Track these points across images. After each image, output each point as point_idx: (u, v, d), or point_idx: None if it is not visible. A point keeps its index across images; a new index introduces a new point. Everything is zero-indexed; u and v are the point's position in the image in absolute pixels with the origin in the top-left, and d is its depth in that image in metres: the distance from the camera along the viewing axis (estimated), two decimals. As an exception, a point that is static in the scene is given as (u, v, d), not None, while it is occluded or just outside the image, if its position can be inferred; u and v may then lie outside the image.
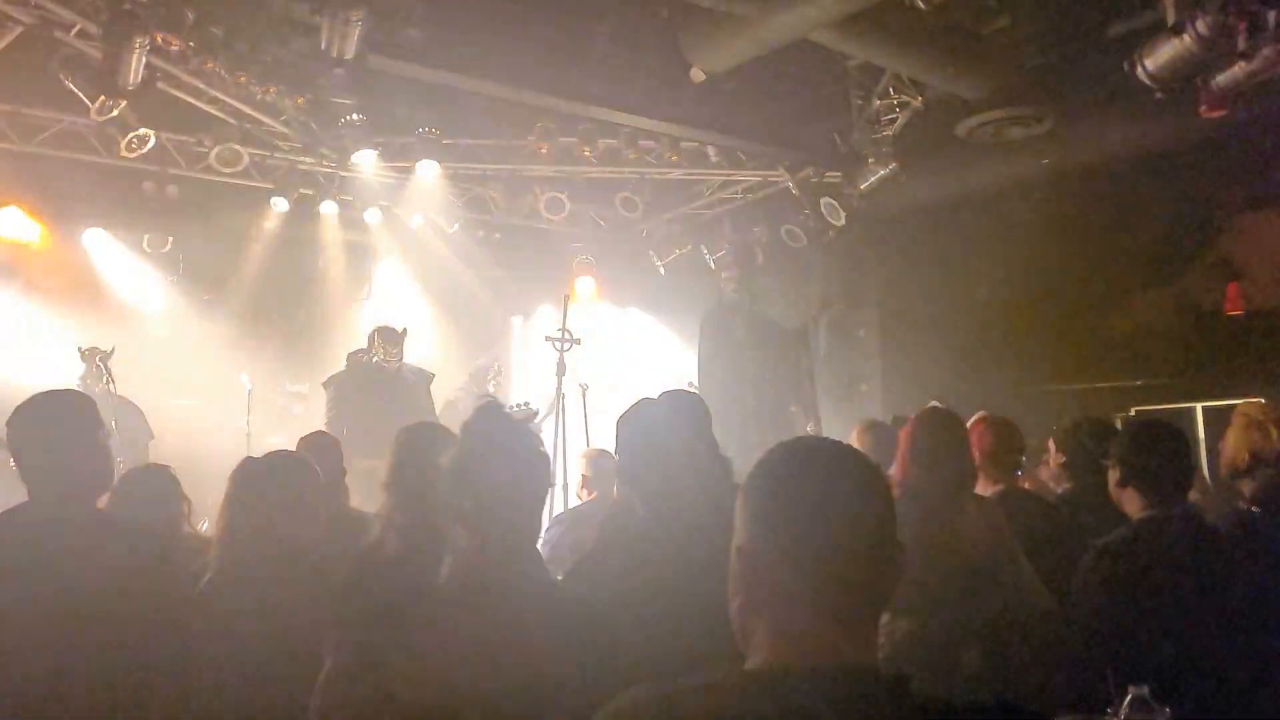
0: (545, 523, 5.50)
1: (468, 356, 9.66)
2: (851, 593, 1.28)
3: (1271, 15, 5.27)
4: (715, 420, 2.93)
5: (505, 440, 2.04)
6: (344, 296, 9.74)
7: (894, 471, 3.45)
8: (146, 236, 8.46)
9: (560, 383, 7.02)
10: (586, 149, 8.15)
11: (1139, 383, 8.30)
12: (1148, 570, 2.92)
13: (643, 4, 6.71)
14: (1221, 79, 5.69)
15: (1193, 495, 3.50)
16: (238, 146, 7.48)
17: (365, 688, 1.89)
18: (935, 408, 3.86)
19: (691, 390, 6.07)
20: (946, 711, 1.26)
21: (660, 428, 2.72)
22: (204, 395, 8.54)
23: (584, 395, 7.58)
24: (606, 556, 2.66)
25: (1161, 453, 3.10)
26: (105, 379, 6.56)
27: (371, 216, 8.83)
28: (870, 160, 7.91)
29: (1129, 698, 2.26)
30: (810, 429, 7.54)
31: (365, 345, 7.35)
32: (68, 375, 6.60)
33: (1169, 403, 7.83)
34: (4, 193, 7.29)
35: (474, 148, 8.45)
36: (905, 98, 7.46)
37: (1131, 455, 3.11)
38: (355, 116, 7.12)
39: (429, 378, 7.40)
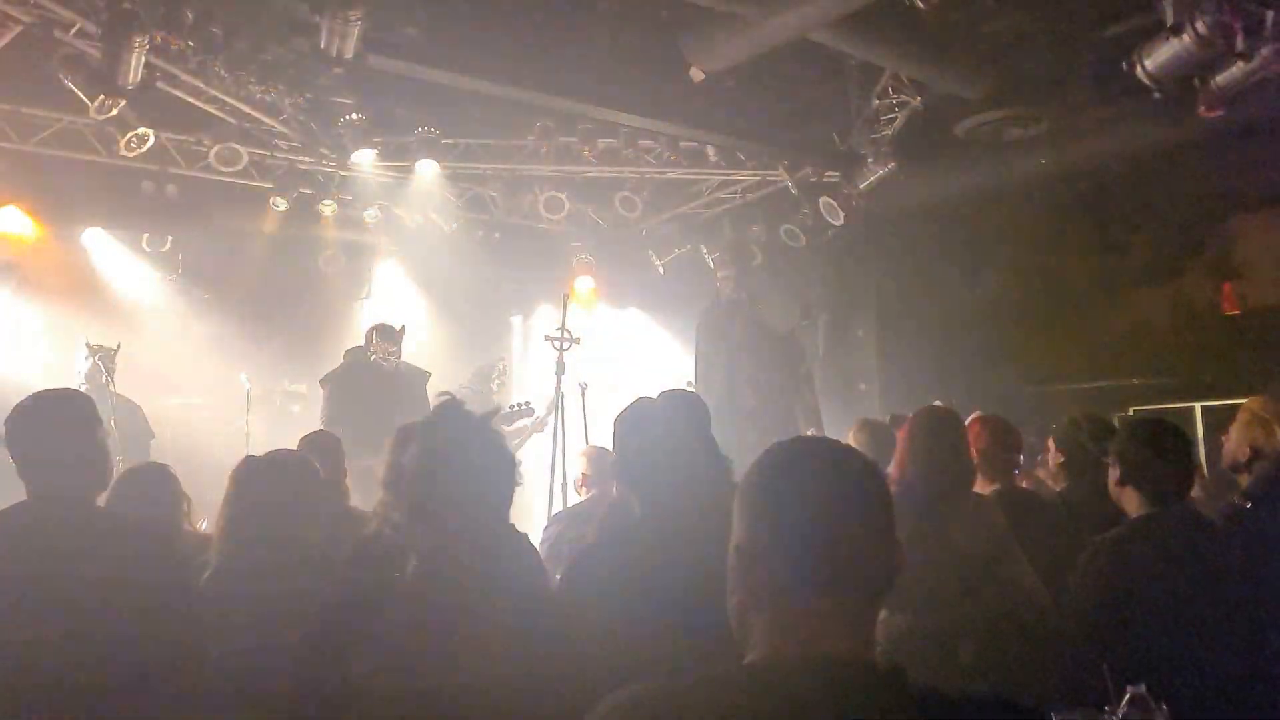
0: (546, 520, 5.52)
1: (467, 356, 9.66)
2: (849, 589, 1.29)
3: (1269, 15, 5.28)
4: (713, 420, 2.94)
5: (465, 439, 2.03)
6: (343, 296, 9.73)
7: (892, 470, 3.46)
8: (145, 236, 8.45)
9: (559, 382, 7.03)
10: (586, 149, 8.16)
11: (1136, 382, 8.32)
12: (1145, 568, 2.93)
13: (642, 4, 6.72)
14: (1220, 79, 5.71)
15: (1193, 493, 3.50)
16: (237, 146, 7.48)
17: (329, 676, 1.88)
18: (934, 407, 3.87)
19: (689, 390, 6.09)
20: (943, 704, 1.27)
21: (658, 427, 2.72)
22: (203, 394, 8.55)
23: (583, 394, 7.59)
24: (604, 554, 2.67)
25: (1162, 452, 3.09)
26: (105, 377, 6.56)
27: (371, 216, 8.83)
28: (869, 160, 7.92)
29: (1128, 696, 2.27)
30: (812, 433, 7.54)
31: (363, 343, 7.36)
32: (67, 374, 6.60)
33: (1167, 402, 7.86)
34: (3, 192, 7.29)
35: (473, 147, 8.46)
36: (904, 97, 7.47)
37: (1131, 454, 3.11)
38: (355, 116, 7.12)
39: (426, 376, 7.41)
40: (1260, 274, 8.23)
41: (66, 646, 2.39)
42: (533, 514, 7.14)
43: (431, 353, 8.46)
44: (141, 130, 6.80)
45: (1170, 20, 5.41)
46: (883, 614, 1.36)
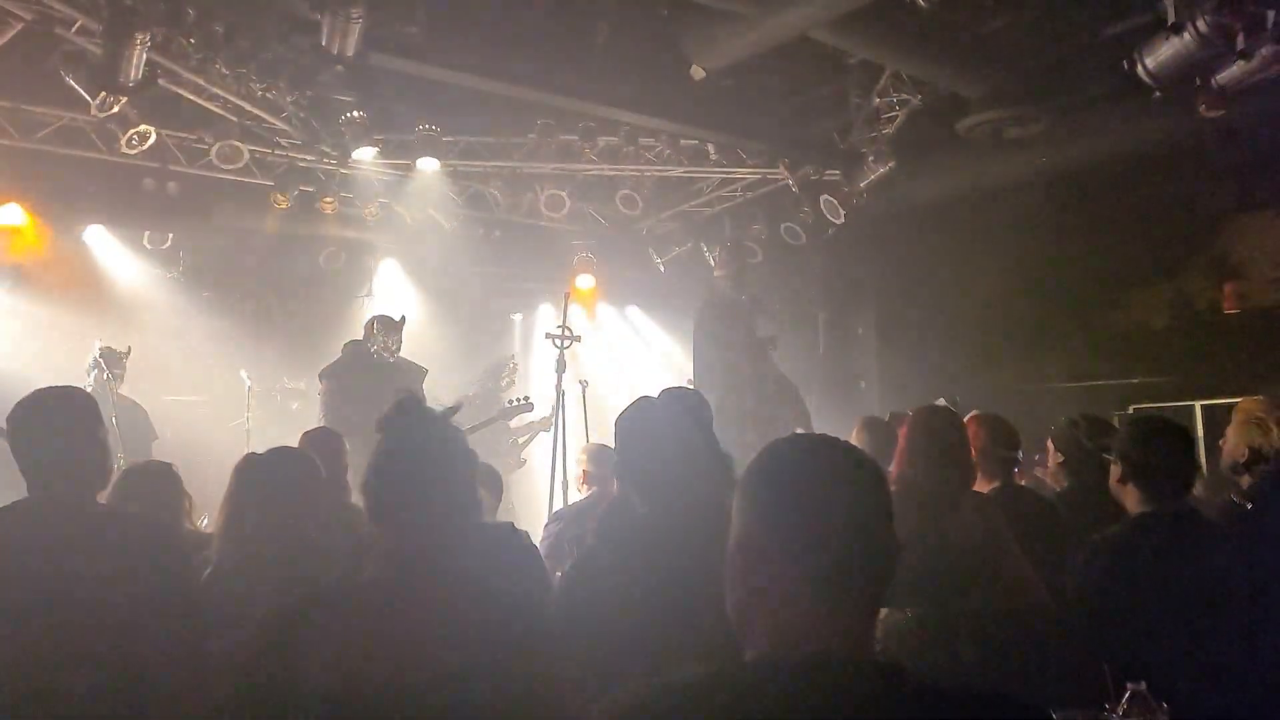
0: (547, 518, 5.53)
1: (467, 354, 9.68)
2: (849, 585, 1.30)
3: (1270, 15, 5.28)
4: (714, 419, 2.94)
5: (420, 438, 2.02)
6: (344, 294, 9.75)
7: (891, 468, 3.47)
8: (147, 233, 8.45)
9: (560, 380, 7.03)
10: (586, 146, 8.17)
11: (1136, 381, 8.32)
12: (1144, 566, 2.93)
13: (643, 2, 6.72)
14: (1221, 78, 5.71)
15: (1194, 492, 3.51)
16: (238, 143, 7.47)
17: (273, 677, 1.87)
18: (933, 406, 3.88)
19: (691, 387, 6.09)
20: (944, 701, 1.28)
21: (660, 425, 2.73)
22: (204, 392, 8.56)
23: (584, 392, 7.60)
24: (606, 552, 2.67)
25: (1164, 450, 3.09)
26: (106, 374, 6.57)
27: (371, 214, 8.83)
28: (870, 158, 7.93)
29: (1128, 694, 2.28)
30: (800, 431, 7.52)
31: (363, 336, 7.39)
32: (66, 372, 6.60)
33: (1166, 401, 7.86)
34: (4, 189, 7.29)
35: (474, 145, 8.46)
36: (904, 96, 7.47)
37: (1133, 452, 3.10)
38: (356, 114, 7.12)
39: (423, 373, 7.43)
40: (1259, 273, 8.24)
41: (67, 643, 2.39)
42: (534, 512, 7.16)
43: (432, 351, 8.47)
44: (143, 128, 6.80)
45: (1171, 19, 5.42)
46: (883, 611, 1.37)
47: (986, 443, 3.93)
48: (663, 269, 10.31)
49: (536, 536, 4.70)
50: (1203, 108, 5.95)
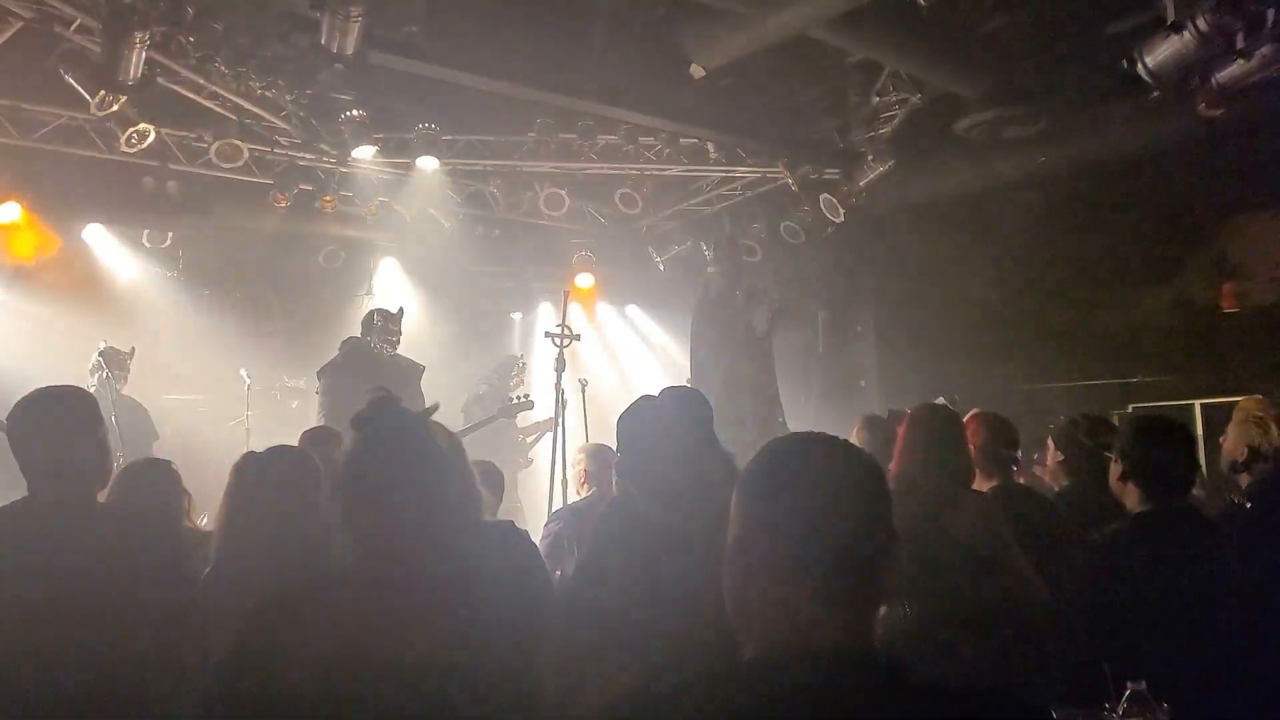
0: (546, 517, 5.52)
1: (466, 353, 9.68)
2: (849, 582, 1.30)
3: (1270, 14, 5.28)
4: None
5: (393, 437, 2.01)
6: (343, 292, 9.75)
7: (891, 466, 3.47)
8: (146, 232, 8.45)
9: (560, 378, 7.03)
10: (586, 145, 8.17)
11: (1135, 380, 8.33)
12: (1144, 564, 2.93)
13: (642, 1, 6.72)
14: (1221, 77, 5.71)
15: (1193, 491, 3.51)
16: (237, 142, 7.47)
17: (255, 673, 1.86)
18: (933, 404, 3.88)
19: (692, 387, 6.08)
20: (944, 699, 1.28)
21: (662, 424, 2.73)
22: (204, 390, 8.56)
23: (583, 391, 7.60)
24: (608, 550, 2.67)
25: (1165, 449, 3.09)
26: (106, 373, 6.56)
27: (371, 212, 8.83)
28: (869, 157, 7.93)
29: (1129, 692, 2.28)
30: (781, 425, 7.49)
31: (360, 333, 7.39)
32: (65, 371, 6.59)
33: (1166, 400, 7.87)
34: (3, 188, 7.28)
35: (473, 144, 8.46)
36: (903, 95, 7.47)
37: (1135, 450, 3.10)
38: (355, 112, 7.12)
39: (420, 369, 7.44)
40: (1258, 272, 8.25)
41: (67, 642, 2.39)
42: (536, 511, 7.16)
43: (431, 349, 8.47)
44: (142, 126, 6.80)
45: (1171, 17, 5.42)
46: (882, 609, 1.37)
47: (986, 441, 3.93)
48: (662, 268, 10.31)
49: (537, 535, 4.70)
50: (1202, 107, 5.95)
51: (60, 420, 2.67)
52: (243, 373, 8.04)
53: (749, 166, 8.79)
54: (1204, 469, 5.19)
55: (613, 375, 10.71)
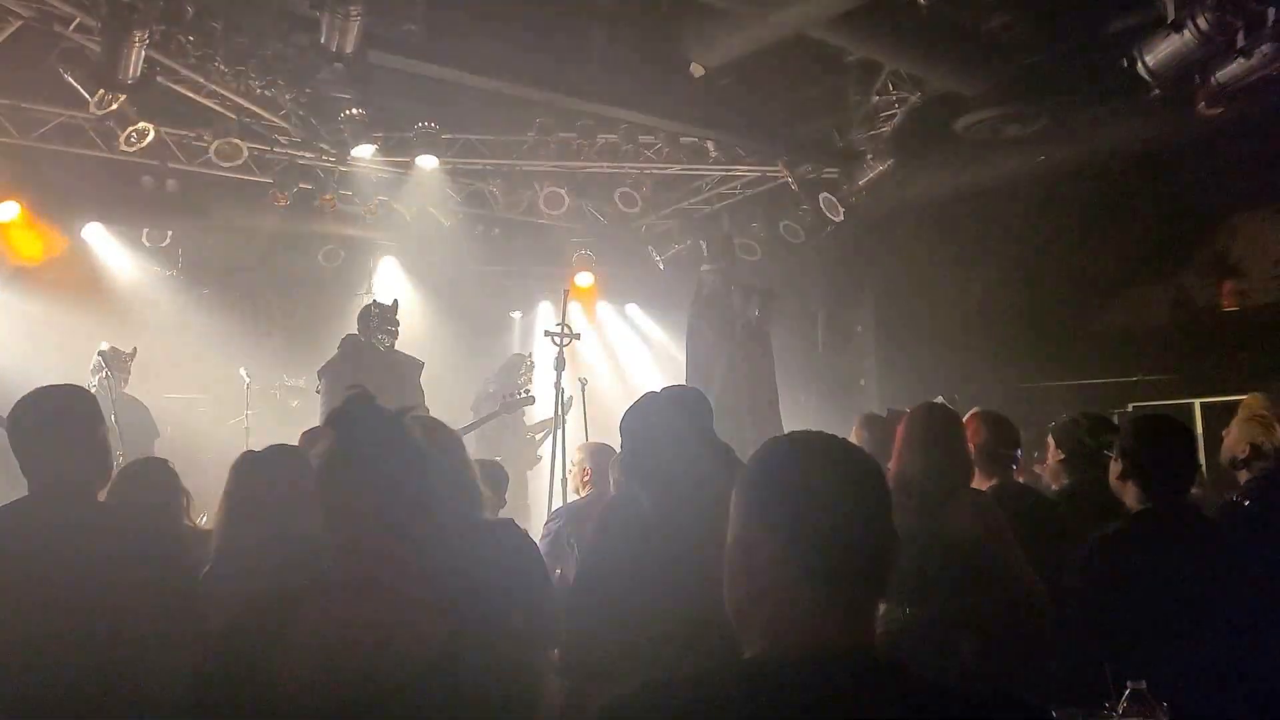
0: (545, 516, 5.53)
1: (466, 351, 9.68)
2: (849, 580, 1.30)
3: (1270, 13, 5.28)
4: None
5: (369, 436, 2.00)
6: (343, 291, 9.74)
7: (890, 465, 3.47)
8: (145, 231, 8.44)
9: (559, 377, 7.04)
10: (585, 144, 8.16)
11: (1135, 379, 8.33)
12: (1144, 563, 2.93)
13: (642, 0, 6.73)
14: (1221, 76, 5.71)
15: (1193, 490, 3.51)
16: (237, 141, 7.47)
17: (241, 678, 1.86)
18: (932, 403, 3.87)
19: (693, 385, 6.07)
20: (943, 698, 1.28)
21: (664, 422, 2.74)
22: (203, 389, 8.56)
23: (583, 390, 7.60)
24: (611, 548, 2.68)
25: (1165, 448, 3.09)
26: (106, 373, 6.56)
27: (370, 211, 8.83)
28: (868, 156, 7.93)
29: (1129, 692, 2.28)
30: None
31: (358, 330, 7.39)
32: (65, 370, 6.59)
33: (1165, 399, 7.86)
34: (3, 187, 7.28)
35: (473, 143, 8.45)
36: (903, 94, 7.47)
37: (1135, 449, 3.10)
38: (354, 111, 7.11)
39: (420, 365, 7.45)
40: (1257, 271, 8.25)
41: (66, 640, 2.39)
42: (537, 509, 7.16)
43: (431, 348, 8.47)
44: (141, 125, 6.80)
45: (1171, 16, 5.42)
46: (882, 607, 1.37)
47: (986, 440, 3.93)
48: (662, 267, 10.30)
49: (537, 535, 4.70)
50: (1202, 106, 5.95)
51: (60, 420, 2.67)
52: (242, 372, 8.04)
53: (748, 165, 8.79)
54: (1203, 468, 5.19)
55: (612, 374, 10.72)
